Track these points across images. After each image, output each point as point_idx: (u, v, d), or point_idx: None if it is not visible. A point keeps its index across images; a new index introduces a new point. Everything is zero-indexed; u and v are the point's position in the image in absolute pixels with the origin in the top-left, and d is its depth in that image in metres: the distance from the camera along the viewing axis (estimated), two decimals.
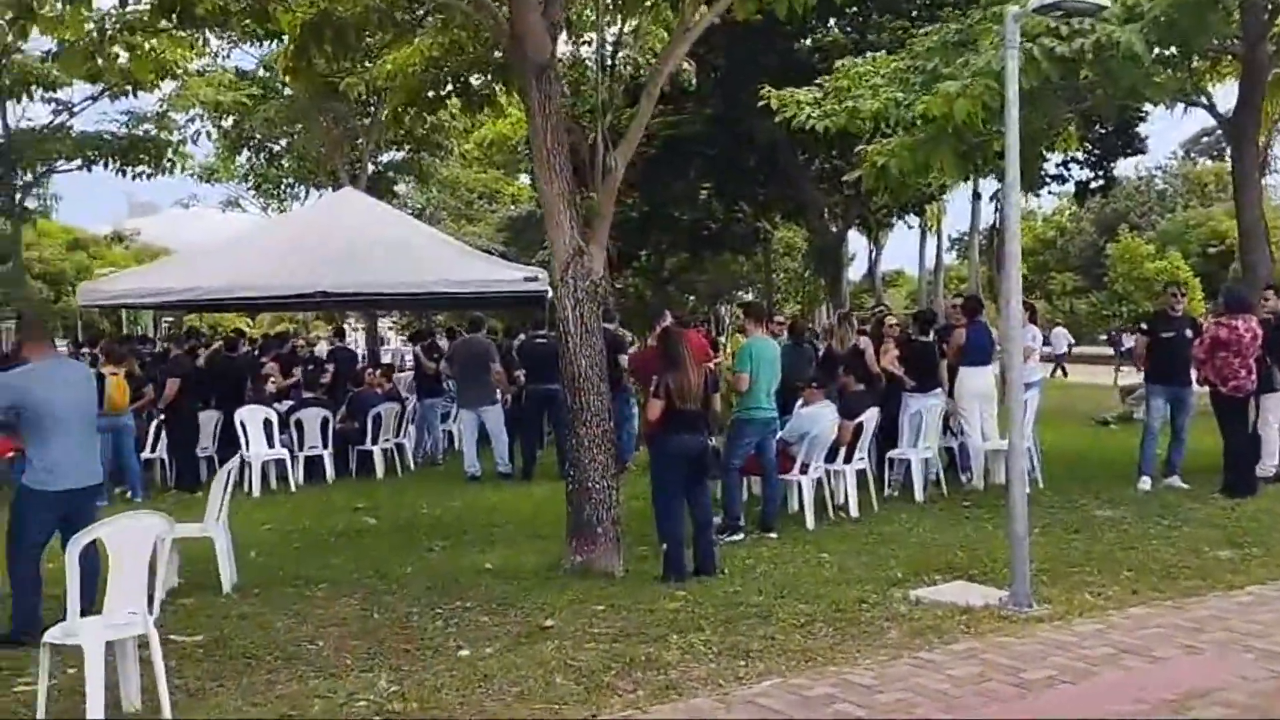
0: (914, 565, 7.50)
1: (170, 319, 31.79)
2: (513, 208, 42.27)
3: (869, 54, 13.87)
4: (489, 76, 9.22)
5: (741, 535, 8.69)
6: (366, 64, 15.54)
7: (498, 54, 9.06)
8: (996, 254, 31.54)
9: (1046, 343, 25.19)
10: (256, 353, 15.26)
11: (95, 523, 6.45)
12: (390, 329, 50.52)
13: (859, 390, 9.93)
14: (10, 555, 6.35)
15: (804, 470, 9.20)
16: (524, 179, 45.01)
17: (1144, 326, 10.48)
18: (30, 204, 23.85)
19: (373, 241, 15.52)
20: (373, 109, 22.34)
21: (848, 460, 9.60)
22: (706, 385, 7.48)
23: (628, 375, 12.42)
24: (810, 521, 9.11)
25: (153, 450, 13.19)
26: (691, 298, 48.43)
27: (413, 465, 14.11)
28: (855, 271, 45.91)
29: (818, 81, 13.99)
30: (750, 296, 57.15)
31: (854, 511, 9.54)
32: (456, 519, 10.18)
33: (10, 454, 6.31)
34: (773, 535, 8.74)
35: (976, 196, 32.51)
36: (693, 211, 26.07)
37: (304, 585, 7.75)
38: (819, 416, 9.19)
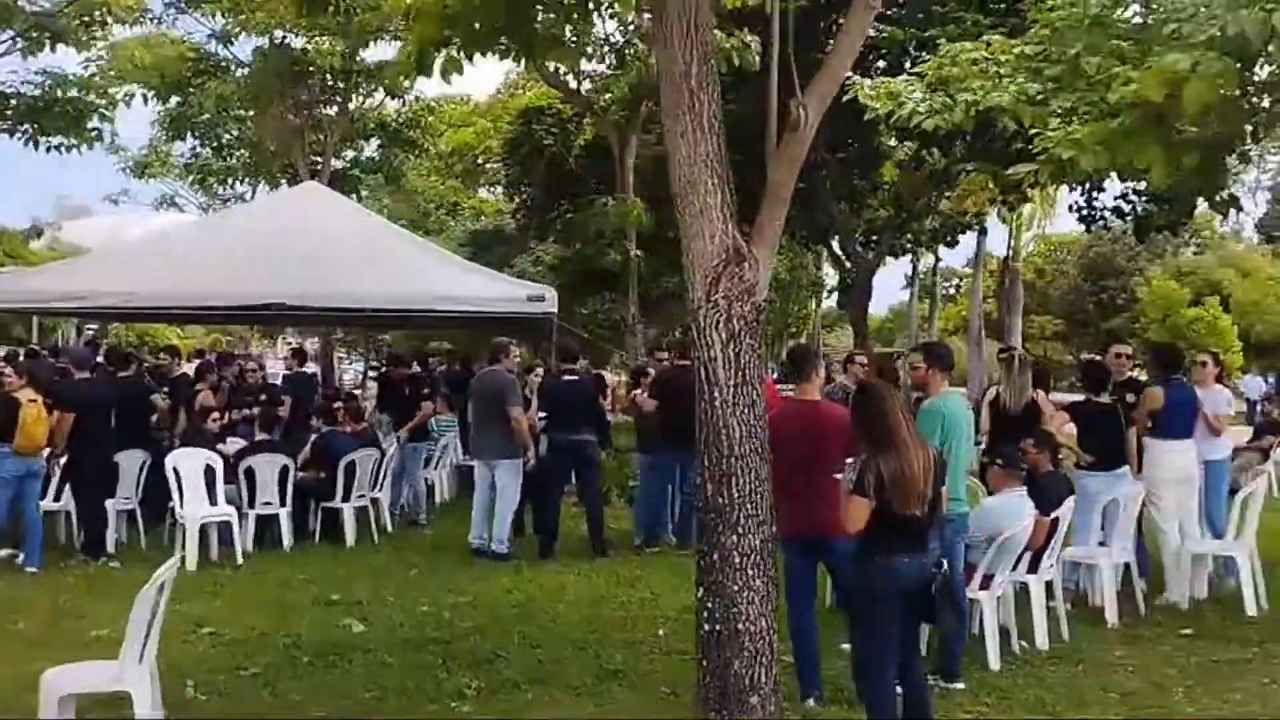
0: None
1: (94, 327, 28.32)
2: (472, 223, 39.39)
3: (982, 38, 11.27)
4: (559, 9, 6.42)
5: None
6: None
7: None
8: (1007, 293, 29.37)
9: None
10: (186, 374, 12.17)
11: None
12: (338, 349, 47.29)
13: (1051, 471, 7.20)
14: None
15: (985, 584, 6.47)
16: (484, 193, 42.35)
17: None
18: None
19: (344, 247, 12.68)
20: (339, 97, 19.46)
21: (1033, 569, 6.90)
22: (936, 477, 4.73)
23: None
24: (994, 659, 6.39)
25: (56, 499, 10.09)
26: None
27: (389, 526, 11.15)
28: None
29: (914, 71, 11.45)
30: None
31: (1041, 641, 6.83)
32: (477, 629, 7.27)
33: None
34: (959, 686, 5.99)
35: (982, 231, 30.20)
36: (675, 228, 23.11)
37: None
38: (1014, 510, 6.48)
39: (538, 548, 9.85)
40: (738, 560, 4.78)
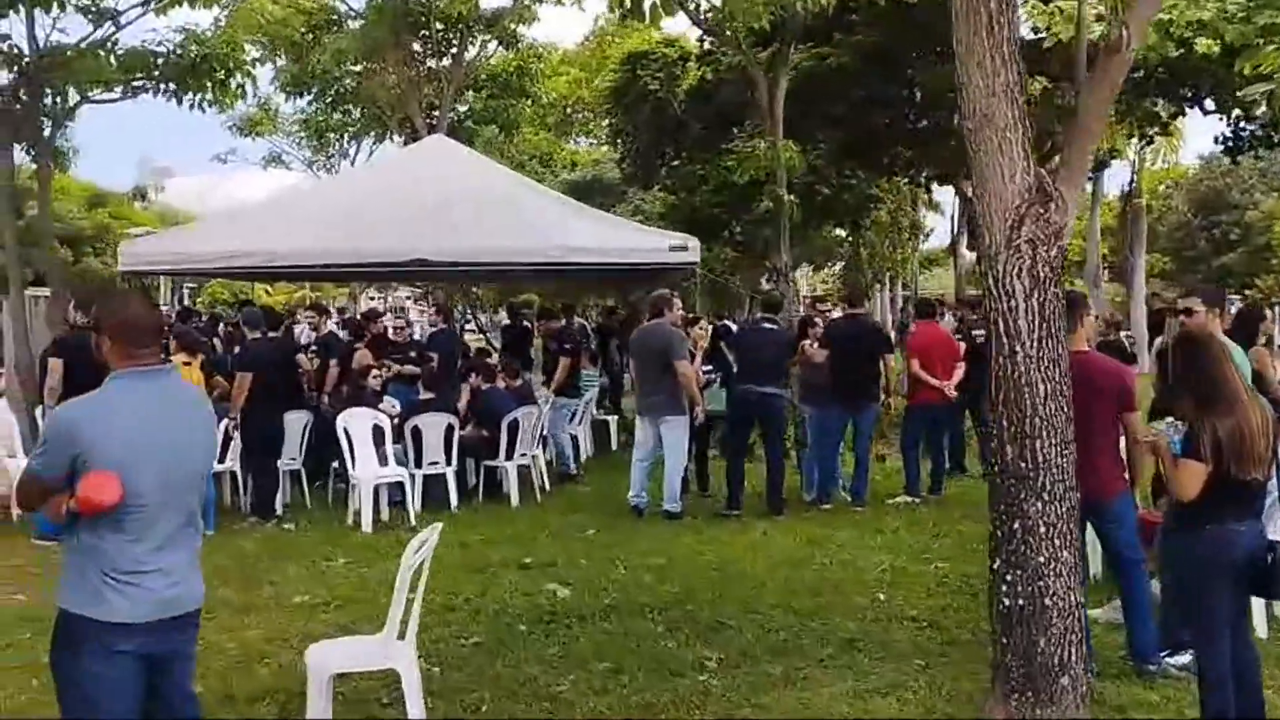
0: None
1: (192, 285, 28.52)
2: (567, 174, 39.05)
3: None
4: None
5: (1188, 657, 5.51)
6: None
7: None
8: (1129, 230, 28.25)
9: None
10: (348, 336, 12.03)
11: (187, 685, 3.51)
12: (408, 299, 47.54)
13: None
14: None
15: None
16: (578, 143, 42.05)
17: None
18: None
19: (479, 200, 12.45)
20: (454, 48, 19.11)
21: None
22: (1274, 434, 4.27)
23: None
24: (1261, 627, 5.91)
25: (220, 460, 9.98)
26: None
27: (547, 484, 10.91)
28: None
29: None
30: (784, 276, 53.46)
31: None
32: (688, 594, 6.98)
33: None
34: None
35: (1100, 166, 28.96)
36: (805, 173, 22.50)
37: None
38: None
39: (727, 504, 9.53)
40: (1043, 530, 4.38)
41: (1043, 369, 4.36)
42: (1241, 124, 18.92)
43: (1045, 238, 4.32)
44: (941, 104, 18.07)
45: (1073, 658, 4.40)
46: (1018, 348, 4.36)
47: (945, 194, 33.70)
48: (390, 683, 5.00)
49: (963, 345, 10.37)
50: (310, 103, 21.36)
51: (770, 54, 13.09)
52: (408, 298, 49.15)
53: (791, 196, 12.83)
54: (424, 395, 10.16)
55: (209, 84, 11.48)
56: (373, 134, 22.29)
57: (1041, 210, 4.32)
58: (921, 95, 17.51)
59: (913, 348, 10.05)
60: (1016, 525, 4.42)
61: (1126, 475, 5.53)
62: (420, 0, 17.09)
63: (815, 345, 10.08)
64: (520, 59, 20.86)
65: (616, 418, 14.65)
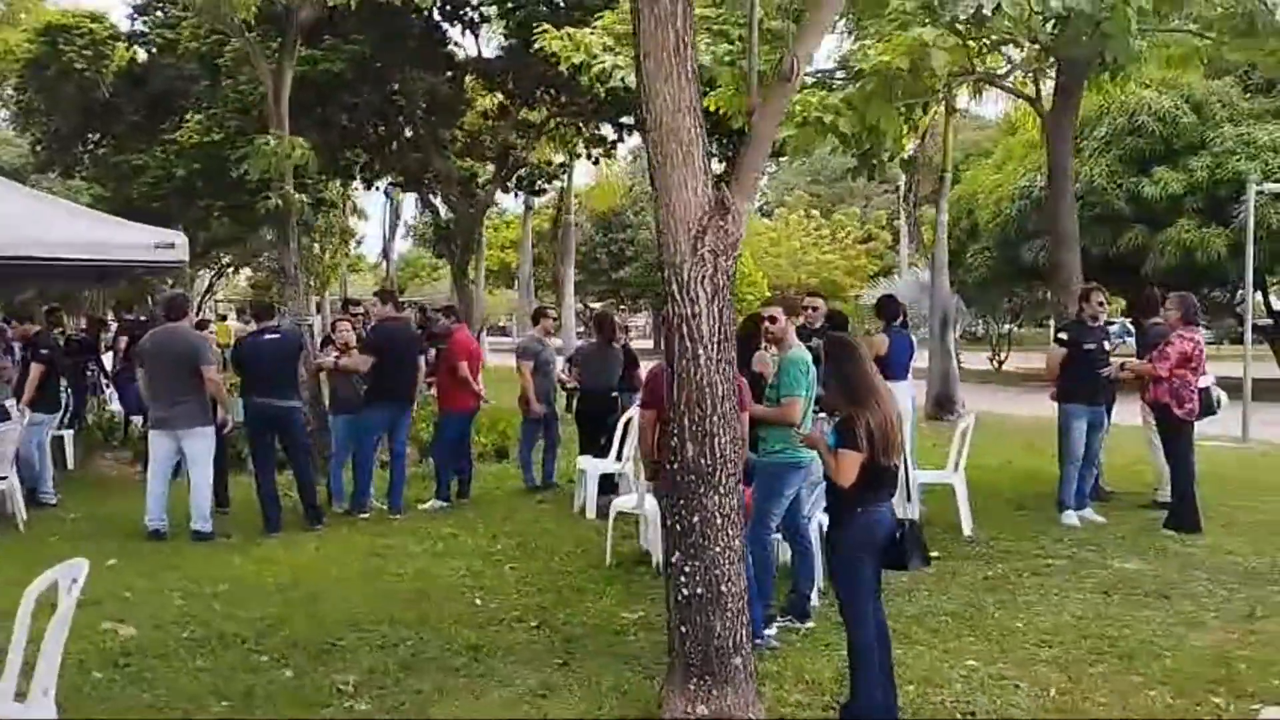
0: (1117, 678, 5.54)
1: None
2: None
3: None
4: None
5: (775, 627, 6.19)
6: None
7: None
8: (560, 244, 30.39)
9: None
10: None
11: None
12: None
13: None
14: None
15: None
16: None
17: (1062, 336, 9.21)
18: None
19: None
20: None
21: None
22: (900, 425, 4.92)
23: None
24: (815, 597, 6.78)
25: None
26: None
27: (24, 512, 9.40)
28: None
29: (598, 24, 11.47)
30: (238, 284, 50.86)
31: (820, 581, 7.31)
32: (275, 618, 6.42)
33: None
34: (810, 624, 6.33)
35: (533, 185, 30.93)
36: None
37: None
38: None
39: (266, 526, 8.86)
40: (719, 521, 4.67)
41: (721, 370, 4.65)
42: None
43: (724, 248, 4.62)
44: (406, 113, 18.33)
45: (743, 638, 4.75)
46: (700, 351, 4.61)
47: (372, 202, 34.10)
48: None
49: None
50: None
51: (277, 47, 12.40)
52: None
53: (302, 196, 12.24)
54: None
55: None
56: None
57: (721, 222, 4.61)
58: (392, 104, 17.55)
59: (455, 352, 10.04)
60: (696, 519, 4.67)
61: None
62: None
63: (339, 353, 9.77)
64: None
65: (73, 432, 13.05)
